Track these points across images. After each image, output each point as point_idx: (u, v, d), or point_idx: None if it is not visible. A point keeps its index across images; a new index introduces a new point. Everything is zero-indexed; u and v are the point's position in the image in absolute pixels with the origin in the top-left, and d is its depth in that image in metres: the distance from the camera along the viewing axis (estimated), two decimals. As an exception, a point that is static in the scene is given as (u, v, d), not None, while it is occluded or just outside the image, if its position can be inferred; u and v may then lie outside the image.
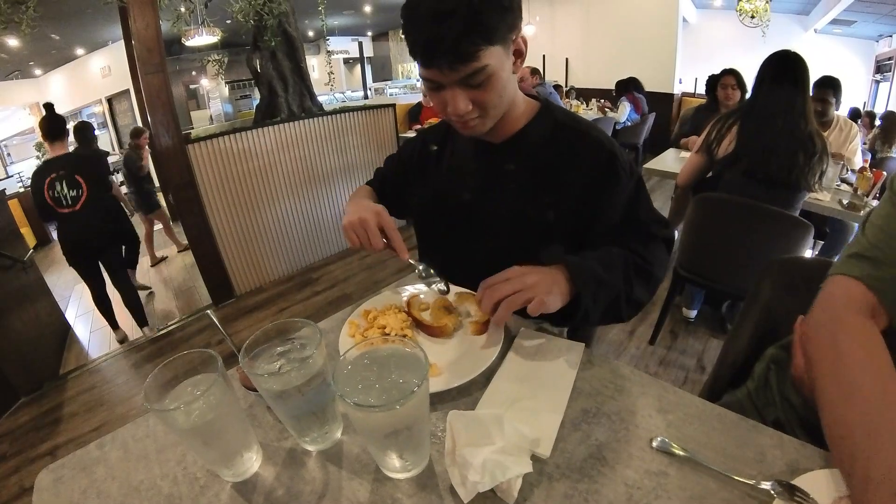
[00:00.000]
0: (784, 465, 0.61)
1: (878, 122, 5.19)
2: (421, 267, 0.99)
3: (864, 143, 4.86)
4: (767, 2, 5.51)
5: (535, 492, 0.59)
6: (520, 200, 0.99)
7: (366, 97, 10.30)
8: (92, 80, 9.01)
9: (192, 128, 6.22)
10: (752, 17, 5.68)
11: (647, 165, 3.24)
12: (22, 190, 7.31)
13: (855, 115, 6.05)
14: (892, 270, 0.63)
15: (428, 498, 0.59)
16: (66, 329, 3.50)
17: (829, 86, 2.78)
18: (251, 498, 0.61)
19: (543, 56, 8.33)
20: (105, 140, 9.56)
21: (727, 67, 3.40)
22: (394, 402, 0.51)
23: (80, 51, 8.51)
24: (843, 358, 0.59)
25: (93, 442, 0.73)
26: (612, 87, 6.41)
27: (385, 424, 0.55)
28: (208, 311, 0.73)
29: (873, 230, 0.68)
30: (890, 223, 0.66)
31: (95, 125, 9.67)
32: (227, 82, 10.39)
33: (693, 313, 2.79)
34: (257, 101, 4.16)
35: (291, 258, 3.89)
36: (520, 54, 0.89)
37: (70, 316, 3.82)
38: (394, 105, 4.28)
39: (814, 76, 2.18)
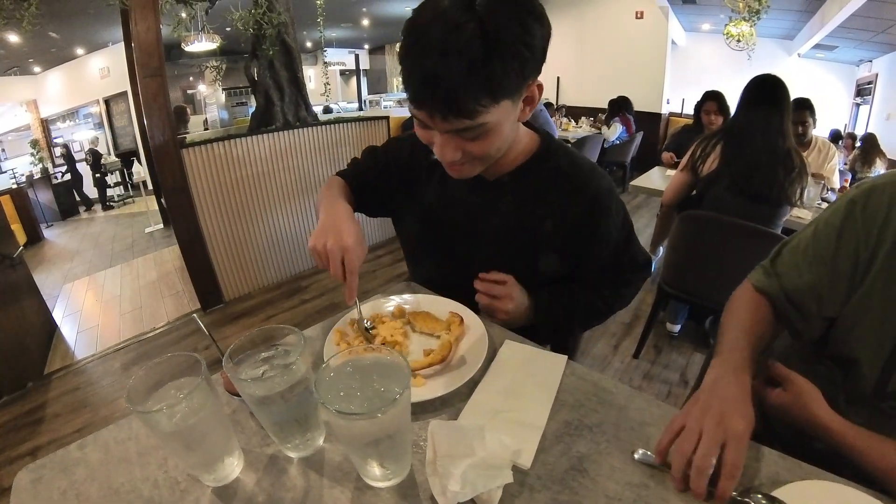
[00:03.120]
0: (765, 477, 0.61)
1: (858, 144, 5.33)
2: (366, 323, 0.92)
3: (845, 164, 5.01)
4: (753, 26, 5.62)
5: (516, 502, 0.59)
6: (508, 241, 0.99)
7: (361, 108, 10.37)
8: (90, 80, 9.00)
9: (188, 132, 6.21)
10: (739, 41, 5.78)
11: (633, 182, 3.31)
12: (15, 186, 7.23)
13: (836, 137, 6.20)
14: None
15: (408, 507, 0.59)
16: (52, 328, 3.45)
17: (805, 107, 2.86)
18: (231, 503, 0.61)
19: (535, 74, 8.45)
20: (101, 141, 9.54)
21: (709, 91, 3.48)
22: (375, 410, 0.52)
23: (79, 50, 8.50)
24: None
25: (74, 443, 0.72)
26: (602, 105, 6.52)
27: (366, 432, 0.55)
28: (194, 315, 0.73)
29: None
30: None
31: (92, 125, 9.71)
32: (224, 89, 10.43)
33: (677, 328, 2.82)
34: (253, 109, 4.17)
35: (281, 266, 3.88)
36: (531, 101, 0.80)
37: (57, 315, 3.76)
38: (387, 118, 4.32)
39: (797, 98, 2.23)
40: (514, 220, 0.97)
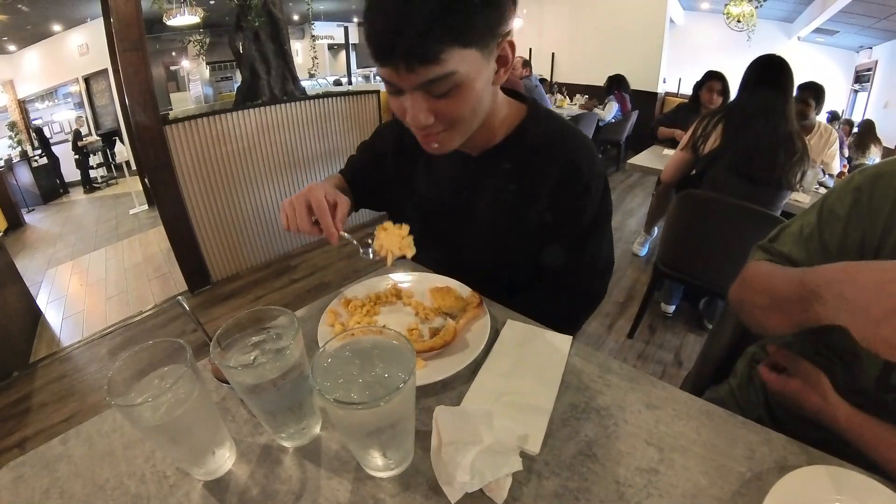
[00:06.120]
0: (773, 461, 0.60)
1: (855, 131, 5.34)
2: (355, 242, 0.85)
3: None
4: (755, 7, 5.54)
5: (525, 490, 0.57)
6: (498, 218, 0.96)
7: (349, 83, 10.16)
8: (69, 57, 8.71)
9: (171, 108, 6.04)
10: (739, 21, 5.70)
11: (630, 161, 3.27)
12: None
13: (833, 117, 6.17)
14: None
15: (412, 497, 0.56)
16: (36, 315, 3.37)
17: (811, 89, 2.87)
18: (224, 498, 0.58)
19: (530, 49, 8.28)
20: (83, 121, 9.27)
21: (713, 70, 3.46)
22: (378, 399, 0.48)
23: (56, 27, 8.20)
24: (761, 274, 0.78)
25: (56, 438, 0.68)
26: (596, 83, 6.45)
27: (368, 422, 0.51)
28: (179, 298, 0.68)
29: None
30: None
31: (72, 104, 9.43)
32: (207, 63, 10.16)
33: (671, 308, 2.82)
34: (238, 84, 4.06)
35: (270, 245, 3.81)
36: (505, 62, 0.77)
37: (41, 301, 3.68)
38: (378, 91, 4.18)
39: (796, 82, 2.23)
40: (503, 196, 0.94)
